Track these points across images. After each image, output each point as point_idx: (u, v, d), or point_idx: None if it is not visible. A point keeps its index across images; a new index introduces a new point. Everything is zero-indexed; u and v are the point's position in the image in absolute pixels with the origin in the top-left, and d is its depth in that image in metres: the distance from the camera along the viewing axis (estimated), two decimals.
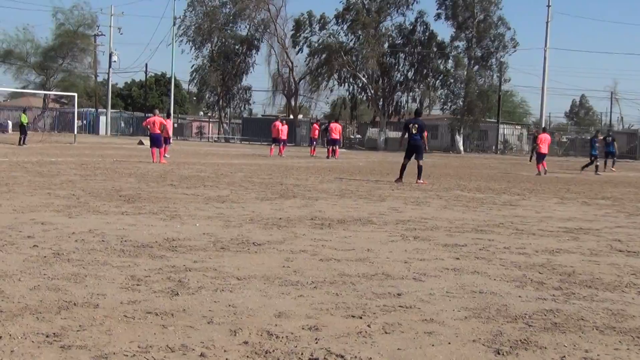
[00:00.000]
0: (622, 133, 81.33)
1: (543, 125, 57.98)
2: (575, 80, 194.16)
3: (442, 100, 75.69)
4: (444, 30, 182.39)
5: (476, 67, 71.46)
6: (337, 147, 42.71)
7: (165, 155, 31.77)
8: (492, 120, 75.75)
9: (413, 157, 22.53)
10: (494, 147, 72.98)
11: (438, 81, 74.95)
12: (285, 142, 43.95)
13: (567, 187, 23.67)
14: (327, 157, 41.40)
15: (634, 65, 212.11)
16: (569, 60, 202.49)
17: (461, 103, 71.74)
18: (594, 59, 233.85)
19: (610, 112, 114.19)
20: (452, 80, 73.17)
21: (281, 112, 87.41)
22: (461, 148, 70.47)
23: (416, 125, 22.40)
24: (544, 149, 32.37)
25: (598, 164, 36.37)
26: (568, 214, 14.66)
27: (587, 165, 37.28)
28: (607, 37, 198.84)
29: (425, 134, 22.63)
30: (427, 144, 23.51)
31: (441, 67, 74.55)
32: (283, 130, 42.84)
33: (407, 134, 22.65)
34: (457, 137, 71.50)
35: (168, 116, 36.96)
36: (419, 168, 22.58)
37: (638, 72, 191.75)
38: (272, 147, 43.22)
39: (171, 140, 33.79)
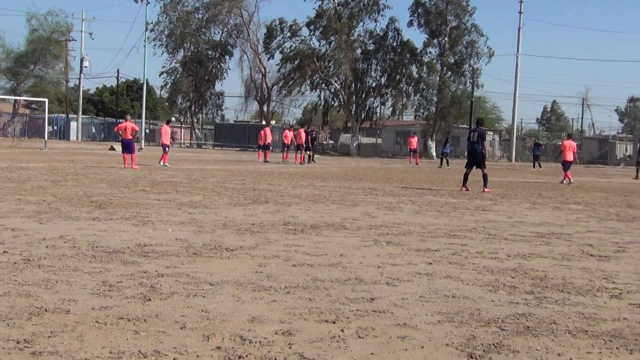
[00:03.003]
0: (593, 139, 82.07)
1: (516, 131, 58.47)
2: (547, 87, 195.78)
3: (414, 106, 75.86)
4: (416, 37, 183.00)
5: (449, 74, 71.75)
6: (300, 152, 43.53)
7: (166, 164, 31.82)
8: (465, 126, 76.07)
9: (474, 166, 22.54)
10: (466, 153, 73.30)
11: (411, 87, 75.05)
12: (269, 147, 44.95)
13: (538, 192, 23.81)
14: (300, 162, 41.92)
15: (606, 71, 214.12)
16: (541, 66, 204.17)
17: (434, 109, 72.00)
18: (566, 65, 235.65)
19: (582, 118, 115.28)
20: (424, 87, 73.37)
21: (253, 117, 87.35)
22: (434, 154, 70.68)
23: (476, 134, 22.57)
24: (569, 156, 30.88)
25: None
26: (540, 219, 14.75)
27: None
28: (579, 44, 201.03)
29: (486, 144, 22.71)
30: (487, 153, 23.52)
31: (414, 73, 74.72)
32: (267, 136, 44.79)
33: (468, 142, 22.74)
34: (430, 142, 71.72)
35: (167, 123, 36.69)
36: (485, 176, 22.63)
37: (610, 79, 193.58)
38: (260, 152, 44.35)
39: (168, 148, 33.39)
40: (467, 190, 22.21)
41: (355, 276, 7.73)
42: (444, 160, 49.13)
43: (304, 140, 43.08)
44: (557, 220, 14.75)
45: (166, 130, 34.16)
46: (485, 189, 22.32)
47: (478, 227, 12.77)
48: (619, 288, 7.63)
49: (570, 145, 31.29)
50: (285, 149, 46.53)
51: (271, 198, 17.15)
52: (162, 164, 32.12)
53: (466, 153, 23.15)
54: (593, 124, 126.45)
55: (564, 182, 30.27)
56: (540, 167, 51.52)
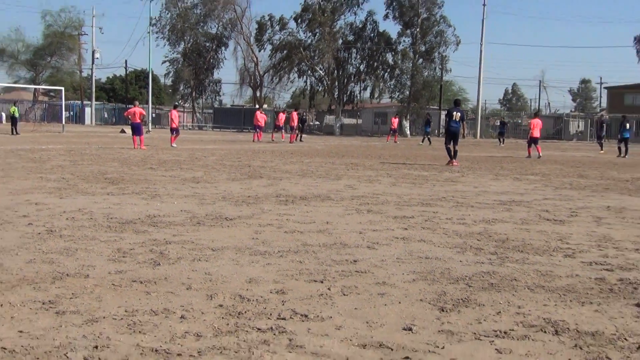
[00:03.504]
0: (549, 117, 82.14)
1: (480, 111, 58.49)
2: (508, 71, 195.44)
3: (390, 90, 75.66)
4: (391, 28, 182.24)
5: (421, 61, 71.59)
6: (296, 132, 43.67)
7: (173, 144, 31.67)
8: (435, 107, 75.99)
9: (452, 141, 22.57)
10: (436, 131, 73.24)
11: (387, 73, 74.79)
12: (262, 128, 45.00)
13: (500, 165, 23.87)
14: (291, 140, 42.34)
15: (560, 56, 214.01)
16: (503, 52, 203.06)
17: (407, 92, 71.87)
18: (525, 51, 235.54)
19: (539, 98, 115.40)
20: (399, 72, 73.17)
21: (247, 102, 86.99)
22: (408, 132, 70.68)
23: (459, 114, 22.65)
24: (536, 132, 30.40)
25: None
26: (502, 189, 14.80)
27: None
28: (537, 32, 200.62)
29: (465, 123, 22.80)
30: (464, 131, 23.58)
31: (390, 60, 74.50)
32: (263, 118, 44.65)
33: (448, 120, 22.73)
34: (404, 122, 71.60)
35: (175, 107, 36.36)
36: (455, 152, 22.72)
37: (563, 63, 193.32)
38: (256, 133, 43.88)
39: (177, 131, 32.99)
40: (455, 164, 22.21)
41: (339, 241, 7.76)
42: (426, 138, 48.32)
43: (296, 122, 43.23)
44: (517, 189, 14.80)
45: (175, 114, 33.98)
46: (454, 162, 22.37)
47: (447, 196, 12.81)
48: (572, 248, 7.68)
49: (538, 123, 30.86)
50: (276, 129, 46.38)
51: (265, 173, 17.14)
52: (171, 145, 31.97)
53: (445, 130, 23.08)
54: (549, 103, 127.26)
55: (537, 155, 29.84)
56: (503, 143, 51.04)
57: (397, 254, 7.12)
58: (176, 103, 46.37)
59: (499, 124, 59.57)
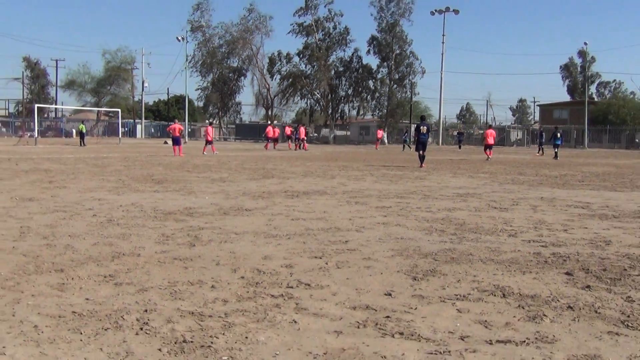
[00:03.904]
0: (494, 128, 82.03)
1: (442, 124, 58.43)
2: (462, 93, 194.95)
3: (372, 108, 75.58)
4: (372, 61, 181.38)
5: (395, 86, 71.61)
6: (304, 143, 43.29)
7: (214, 152, 31.86)
8: (407, 121, 75.91)
9: (421, 149, 22.28)
10: (416, 140, 72.88)
11: (369, 96, 74.73)
12: (276, 140, 44.57)
13: (458, 166, 23.82)
14: (295, 149, 42.24)
15: (503, 80, 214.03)
16: (458, 78, 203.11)
17: (385, 110, 71.88)
18: (475, 77, 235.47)
19: (487, 114, 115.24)
20: (378, 95, 73.21)
21: (261, 119, 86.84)
22: (386, 141, 70.53)
23: (425, 127, 22.31)
24: (490, 140, 30.63)
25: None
26: (459, 184, 14.77)
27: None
28: (484, 62, 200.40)
29: (430, 134, 22.58)
30: (430, 140, 23.39)
31: (371, 86, 74.44)
32: (275, 132, 44.38)
33: (417, 133, 22.40)
34: (383, 133, 71.47)
35: (210, 124, 36.19)
36: (423, 157, 22.41)
37: (505, 86, 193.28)
38: (267, 143, 43.66)
39: (211, 143, 33.06)
40: (424, 166, 22.01)
41: (334, 226, 7.72)
42: (405, 146, 47.70)
43: (303, 135, 43.17)
44: (471, 184, 14.77)
45: (210, 130, 34.03)
46: (423, 165, 22.16)
47: (417, 190, 12.78)
48: (515, 230, 7.65)
49: (491, 132, 31.17)
50: (267, 140, 45.60)
51: (275, 174, 17.10)
52: (213, 152, 32.01)
53: (416, 140, 22.83)
54: (494, 117, 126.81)
55: (488, 159, 29.77)
56: (460, 148, 51.09)
57: (379, 235, 7.09)
58: (210, 121, 46.44)
59: (457, 134, 59.90)
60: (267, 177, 16.05)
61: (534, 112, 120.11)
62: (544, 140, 41.23)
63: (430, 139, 21.58)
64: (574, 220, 8.57)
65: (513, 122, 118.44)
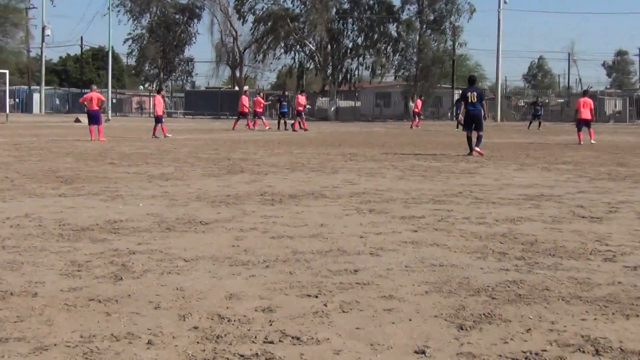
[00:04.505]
0: (580, 95, 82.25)
1: (500, 89, 58.68)
2: (533, 42, 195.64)
3: (394, 66, 75.78)
4: None
5: (429, 32, 71.72)
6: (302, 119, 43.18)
7: (164, 135, 31.85)
8: (447, 86, 76.08)
9: (474, 126, 22.32)
10: (449, 114, 73.33)
11: (389, 47, 74.95)
12: (257, 115, 44.95)
13: (526, 152, 23.87)
14: (293, 128, 42.15)
15: (592, 24, 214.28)
16: (525, 20, 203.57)
17: (414, 69, 72.01)
18: (552, 18, 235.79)
19: (569, 74, 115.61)
20: (404, 46, 73.35)
21: (225, 83, 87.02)
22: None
23: (475, 94, 22.40)
24: (586, 114, 30.24)
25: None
26: (528, 181, 14.78)
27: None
28: None
29: (484, 103, 22.59)
30: (486, 113, 23.44)
31: (392, 32, 74.57)
32: (257, 103, 44.72)
33: (465, 103, 22.54)
34: (411, 104, 71.62)
35: (158, 92, 36.26)
36: (479, 138, 22.42)
37: (596, 32, 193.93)
38: (249, 120, 44.45)
39: (163, 119, 33.31)
40: (480, 152, 21.95)
41: (337, 247, 7.70)
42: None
43: (303, 106, 42.97)
44: (546, 181, 14.78)
45: (159, 100, 34.05)
46: (477, 149, 22.12)
47: (464, 192, 12.77)
48: (612, 250, 7.64)
49: (588, 102, 30.68)
50: (256, 116, 45.86)
51: (247, 167, 17.10)
52: (164, 135, 32.10)
53: (462, 115, 22.80)
54: (580, 79, 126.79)
55: (581, 143, 29.50)
56: (540, 127, 51.51)
57: (406, 261, 7.07)
58: (155, 87, 46.59)
59: (531, 104, 60.04)
60: (235, 172, 16.03)
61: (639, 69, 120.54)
62: None
63: (485, 112, 21.51)
64: None
65: (608, 86, 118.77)
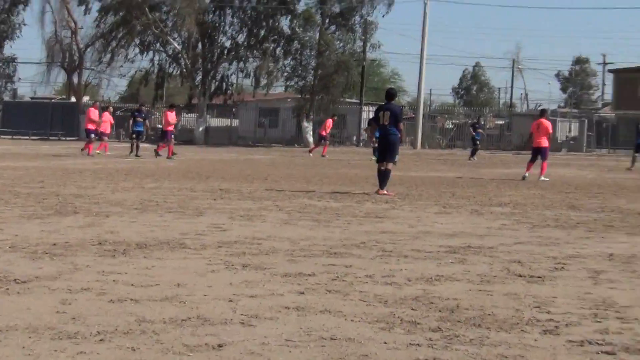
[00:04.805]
0: (525, 115, 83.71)
1: (423, 107, 59.51)
2: (468, 45, 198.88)
3: (286, 73, 75.88)
4: None
5: (333, 29, 72.16)
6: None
7: None
8: (354, 100, 76.66)
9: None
10: (355, 138, 73.84)
11: (280, 47, 75.05)
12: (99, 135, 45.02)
13: (452, 190, 24.18)
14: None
15: (543, 24, 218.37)
16: (458, 16, 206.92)
17: (312, 78, 72.19)
18: (493, 15, 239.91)
19: (512, 86, 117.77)
20: (299, 47, 73.50)
21: (59, 92, 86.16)
22: (310, 140, 70.80)
23: (387, 113, 22.19)
24: (544, 140, 30.62)
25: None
26: (453, 228, 14.99)
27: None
28: None
29: (401, 125, 22.28)
30: (404, 137, 23.14)
31: (285, 28, 74.78)
32: (105, 120, 45.31)
33: (376, 124, 22.42)
34: (305, 124, 71.83)
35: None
36: (385, 174, 22.14)
37: (548, 34, 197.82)
38: (101, 143, 44.79)
39: None
40: (386, 193, 21.89)
41: (197, 314, 7.70)
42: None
43: (172, 126, 43.05)
44: (475, 228, 15.02)
45: None
46: (382, 191, 21.95)
47: (368, 241, 12.88)
48: (555, 320, 7.79)
49: (542, 125, 31.00)
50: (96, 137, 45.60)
51: (81, 207, 16.95)
52: None
53: (372, 141, 22.88)
54: (527, 95, 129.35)
55: (525, 178, 30.19)
56: (473, 157, 51.53)
57: (287, 333, 7.11)
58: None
59: (470, 126, 58.61)
60: (65, 212, 15.89)
61: (604, 83, 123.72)
62: None
63: (402, 137, 21.36)
64: None
65: (563, 104, 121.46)
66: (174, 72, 79.16)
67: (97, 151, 43.27)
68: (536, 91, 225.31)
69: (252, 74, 76.92)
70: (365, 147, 69.63)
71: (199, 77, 75.47)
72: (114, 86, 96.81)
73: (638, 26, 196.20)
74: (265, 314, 7.77)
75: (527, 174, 30.60)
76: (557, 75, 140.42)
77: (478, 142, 53.57)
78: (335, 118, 54.73)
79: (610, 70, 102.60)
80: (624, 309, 8.38)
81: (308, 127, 71.88)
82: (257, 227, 14.38)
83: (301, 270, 10.19)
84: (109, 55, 77.94)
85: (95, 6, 75.87)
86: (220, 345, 6.67)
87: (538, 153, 31.00)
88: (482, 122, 61.46)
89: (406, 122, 74.11)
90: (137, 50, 76.83)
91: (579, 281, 9.89)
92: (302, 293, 8.80)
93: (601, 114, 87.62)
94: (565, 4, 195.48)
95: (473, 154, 52.06)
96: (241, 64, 77.27)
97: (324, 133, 52.63)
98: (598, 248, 12.77)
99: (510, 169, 39.25)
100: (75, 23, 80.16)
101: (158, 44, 75.90)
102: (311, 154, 50.89)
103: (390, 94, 23.46)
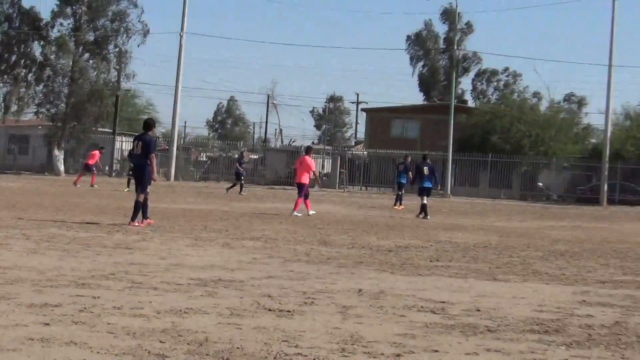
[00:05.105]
0: (280, 151, 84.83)
1: (177, 138, 59.43)
2: (224, 79, 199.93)
3: (37, 100, 74.54)
4: (43, 4, 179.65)
5: (87, 56, 71.47)
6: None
7: None
8: (108, 130, 76.03)
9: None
10: (107, 168, 73.07)
11: (32, 73, 73.75)
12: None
13: (204, 223, 24.17)
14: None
15: (299, 60, 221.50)
16: (215, 49, 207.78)
17: (64, 105, 71.25)
18: (248, 50, 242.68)
19: (267, 122, 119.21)
20: (51, 74, 72.46)
21: None
22: (61, 168, 69.72)
23: (140, 143, 22.23)
24: (304, 177, 30.94)
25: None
26: (204, 261, 15.00)
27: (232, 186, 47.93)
28: (264, 23, 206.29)
29: (152, 156, 21.94)
30: (154, 170, 22.65)
31: (37, 54, 73.57)
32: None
33: (130, 158, 21.93)
34: (56, 152, 70.62)
35: None
36: (135, 204, 22.03)
37: (304, 71, 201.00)
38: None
39: None
40: (137, 224, 21.63)
41: None
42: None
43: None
44: (227, 262, 15.05)
45: None
46: (134, 223, 21.88)
47: (118, 273, 12.74)
48: (304, 354, 7.87)
49: (303, 161, 31.33)
50: None
51: None
52: None
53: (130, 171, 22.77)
54: (281, 130, 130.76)
55: (294, 214, 30.34)
56: (241, 191, 50.42)
57: None
58: None
59: (237, 159, 57.03)
60: None
61: (357, 122, 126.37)
62: (404, 181, 40.84)
63: (153, 168, 21.25)
64: (415, 337, 9.01)
65: (316, 141, 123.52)
66: None
67: None
68: (291, 127, 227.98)
69: (2, 99, 75.25)
70: (119, 177, 69.04)
71: None
72: None
73: (391, 66, 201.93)
74: (8, 346, 7.58)
75: (311, 212, 30.94)
76: (312, 111, 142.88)
77: (242, 177, 52.35)
78: (103, 150, 53.86)
79: (363, 109, 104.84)
80: (371, 343, 8.53)
81: (59, 155, 70.68)
82: (2, 256, 14.03)
83: (47, 300, 10.00)
84: None
85: None
86: None
87: (299, 187, 31.20)
88: (244, 158, 61.05)
89: (159, 154, 74.20)
90: None
91: (327, 316, 10.03)
92: (48, 324, 8.62)
93: (354, 152, 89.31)
94: (321, 42, 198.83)
95: (241, 188, 50.89)
96: None
97: (91, 162, 52.03)
98: (347, 283, 13.00)
99: (264, 203, 39.62)
100: None
101: None
102: (77, 185, 50.02)
103: (147, 124, 23.70)
